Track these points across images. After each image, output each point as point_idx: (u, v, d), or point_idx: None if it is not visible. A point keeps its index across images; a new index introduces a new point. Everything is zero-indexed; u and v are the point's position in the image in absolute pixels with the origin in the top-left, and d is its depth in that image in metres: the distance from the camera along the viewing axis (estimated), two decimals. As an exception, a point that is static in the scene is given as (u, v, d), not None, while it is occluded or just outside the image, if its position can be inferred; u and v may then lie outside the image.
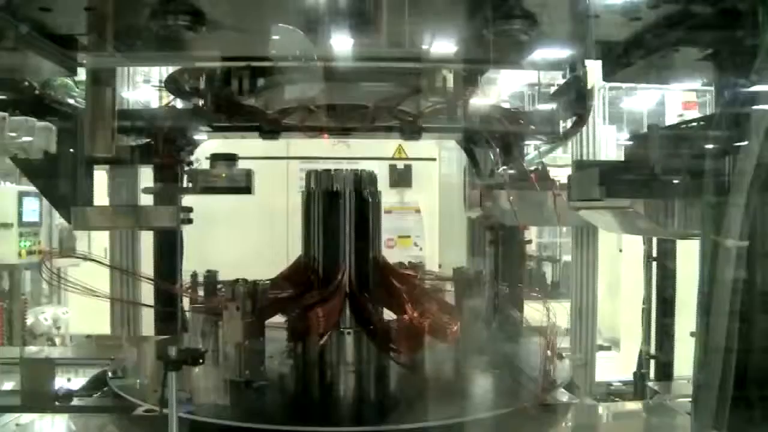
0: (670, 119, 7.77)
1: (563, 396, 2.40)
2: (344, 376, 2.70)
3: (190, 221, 3.16)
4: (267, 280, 2.77)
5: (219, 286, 2.81)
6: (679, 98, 8.48)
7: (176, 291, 3.19)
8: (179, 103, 3.26)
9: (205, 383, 2.50)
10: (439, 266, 5.02)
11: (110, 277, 3.55)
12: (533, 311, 2.62)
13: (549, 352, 2.42)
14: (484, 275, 2.91)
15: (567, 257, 8.57)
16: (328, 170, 2.86)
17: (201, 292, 2.88)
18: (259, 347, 2.46)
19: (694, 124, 2.40)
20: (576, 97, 2.70)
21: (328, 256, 2.80)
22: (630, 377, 3.74)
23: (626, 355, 5.49)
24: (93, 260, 2.91)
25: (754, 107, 1.74)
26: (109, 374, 2.55)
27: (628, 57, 2.33)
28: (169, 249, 3.38)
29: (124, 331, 3.65)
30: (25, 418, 2.32)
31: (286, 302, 2.72)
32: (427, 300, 2.76)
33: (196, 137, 3.25)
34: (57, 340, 7.07)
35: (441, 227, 5.62)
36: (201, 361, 2.05)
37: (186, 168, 3.11)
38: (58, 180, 2.88)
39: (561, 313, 2.59)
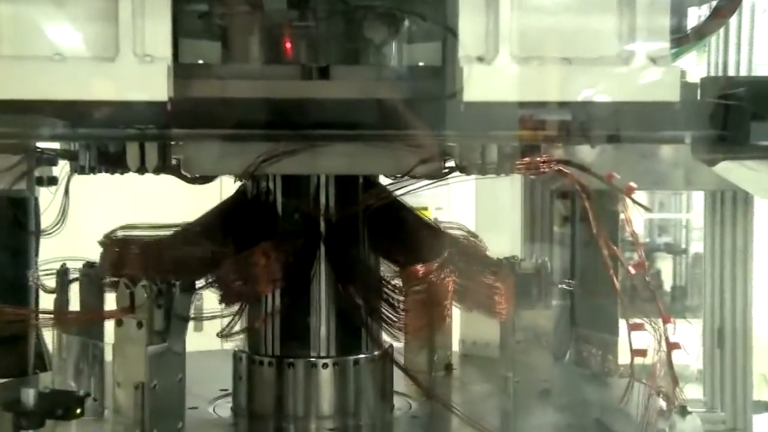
0: None
1: (689, 477, 2.52)
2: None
3: (52, 181, 3.22)
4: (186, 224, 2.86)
5: (106, 287, 2.84)
6: None
7: (25, 308, 3.22)
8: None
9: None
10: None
11: None
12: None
13: (662, 403, 2.52)
14: (551, 273, 2.94)
15: (698, 246, 8.65)
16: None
17: (75, 300, 2.92)
18: (175, 390, 2.52)
19: None
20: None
21: (294, 177, 2.81)
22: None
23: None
24: None
25: None
26: None
27: None
28: (13, 229, 3.48)
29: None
30: None
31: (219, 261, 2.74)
32: (457, 253, 2.79)
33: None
34: None
35: (478, 194, 5.68)
36: (79, 411, 2.15)
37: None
38: None
39: (688, 339, 2.63)
